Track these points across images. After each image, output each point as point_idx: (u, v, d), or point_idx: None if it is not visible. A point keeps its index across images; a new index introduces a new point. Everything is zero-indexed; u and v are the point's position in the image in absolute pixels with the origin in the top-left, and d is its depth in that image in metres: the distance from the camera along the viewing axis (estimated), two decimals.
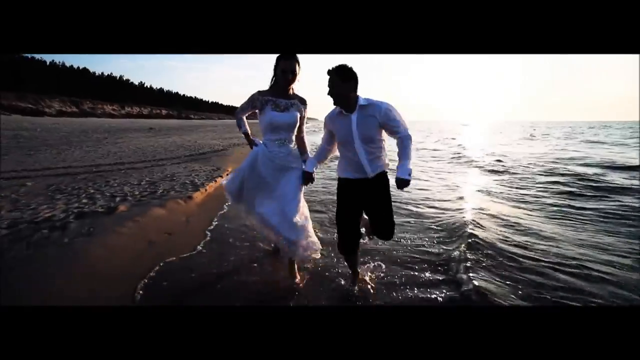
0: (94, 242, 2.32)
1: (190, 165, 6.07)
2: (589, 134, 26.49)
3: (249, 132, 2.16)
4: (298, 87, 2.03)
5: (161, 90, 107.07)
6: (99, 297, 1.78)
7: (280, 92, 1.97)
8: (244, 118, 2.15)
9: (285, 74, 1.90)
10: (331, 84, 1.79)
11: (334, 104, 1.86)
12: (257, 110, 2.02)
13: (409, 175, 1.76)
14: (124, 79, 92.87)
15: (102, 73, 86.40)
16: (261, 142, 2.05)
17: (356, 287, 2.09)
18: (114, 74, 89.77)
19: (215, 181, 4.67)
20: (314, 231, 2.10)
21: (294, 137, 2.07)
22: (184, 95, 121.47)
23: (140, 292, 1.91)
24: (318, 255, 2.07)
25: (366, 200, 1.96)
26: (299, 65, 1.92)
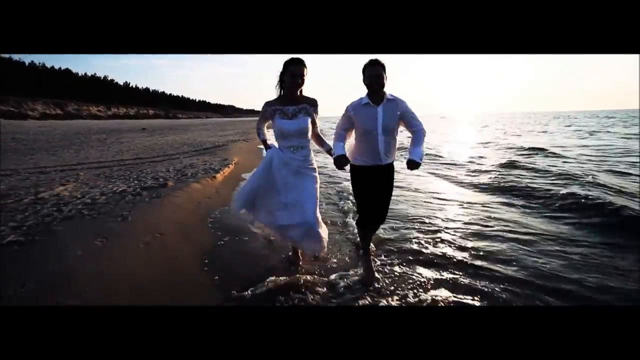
0: (164, 200, 3.54)
1: (201, 158, 7.22)
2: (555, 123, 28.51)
3: (267, 139, 2.21)
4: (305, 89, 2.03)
5: (147, 90, 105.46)
6: (187, 221, 3.05)
7: (287, 99, 2.01)
8: (263, 128, 2.21)
9: (294, 78, 1.93)
10: (377, 75, 1.93)
11: (373, 93, 1.98)
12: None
13: (420, 159, 1.94)
14: (109, 79, 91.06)
15: (86, 74, 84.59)
16: (277, 146, 2.09)
17: (374, 260, 2.28)
18: (97, 75, 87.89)
19: (228, 167, 5.89)
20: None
21: (308, 142, 2.08)
22: (170, 94, 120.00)
23: (209, 222, 3.16)
24: (325, 250, 2.14)
25: (375, 185, 2.11)
26: (306, 68, 1.95)
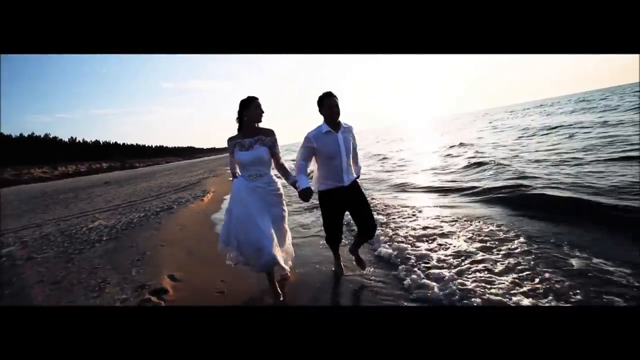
0: (177, 214, 5.67)
1: (184, 192, 9.19)
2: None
3: (238, 174, 2.30)
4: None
5: (97, 142, 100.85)
6: (196, 219, 5.20)
7: (246, 132, 2.18)
8: (234, 163, 2.30)
9: (258, 109, 2.14)
10: (336, 105, 2.18)
11: (332, 121, 2.19)
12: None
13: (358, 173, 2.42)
14: (51, 136, 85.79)
15: (21, 134, 78.99)
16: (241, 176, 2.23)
17: (344, 271, 2.54)
18: (36, 134, 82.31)
19: (210, 194, 8.03)
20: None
21: (266, 170, 2.21)
22: (123, 144, 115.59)
23: (211, 218, 5.31)
24: (290, 265, 2.28)
25: (348, 205, 2.32)
26: (261, 104, 2.16)
